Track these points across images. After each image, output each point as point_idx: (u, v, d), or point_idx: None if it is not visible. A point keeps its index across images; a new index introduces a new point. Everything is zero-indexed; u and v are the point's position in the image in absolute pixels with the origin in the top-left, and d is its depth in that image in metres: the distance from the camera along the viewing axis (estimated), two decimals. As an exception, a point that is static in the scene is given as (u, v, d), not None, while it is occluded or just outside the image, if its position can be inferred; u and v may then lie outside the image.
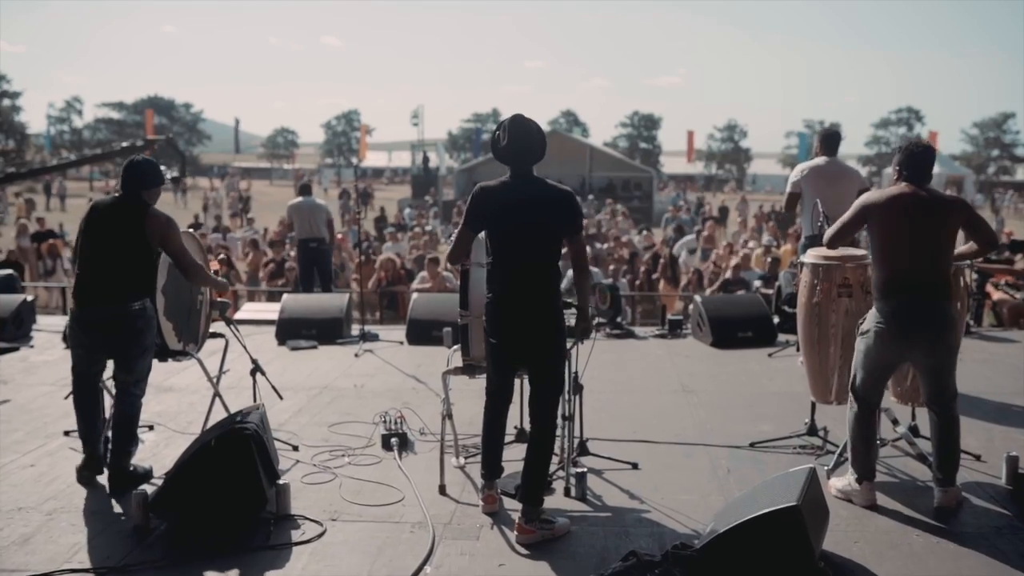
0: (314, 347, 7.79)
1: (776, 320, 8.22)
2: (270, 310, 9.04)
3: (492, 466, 4.09)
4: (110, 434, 4.46)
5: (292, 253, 13.03)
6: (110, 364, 4.46)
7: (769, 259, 12.40)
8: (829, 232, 4.24)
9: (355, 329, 8.21)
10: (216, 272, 4.73)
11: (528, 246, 3.78)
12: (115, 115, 70.55)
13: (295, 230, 10.37)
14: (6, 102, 59.14)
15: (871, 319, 4.01)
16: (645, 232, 17.19)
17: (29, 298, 8.68)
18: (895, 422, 4.74)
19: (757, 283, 11.27)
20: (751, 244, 16.02)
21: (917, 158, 4.02)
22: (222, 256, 11.62)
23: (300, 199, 10.48)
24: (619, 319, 8.53)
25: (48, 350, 7.47)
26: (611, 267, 12.88)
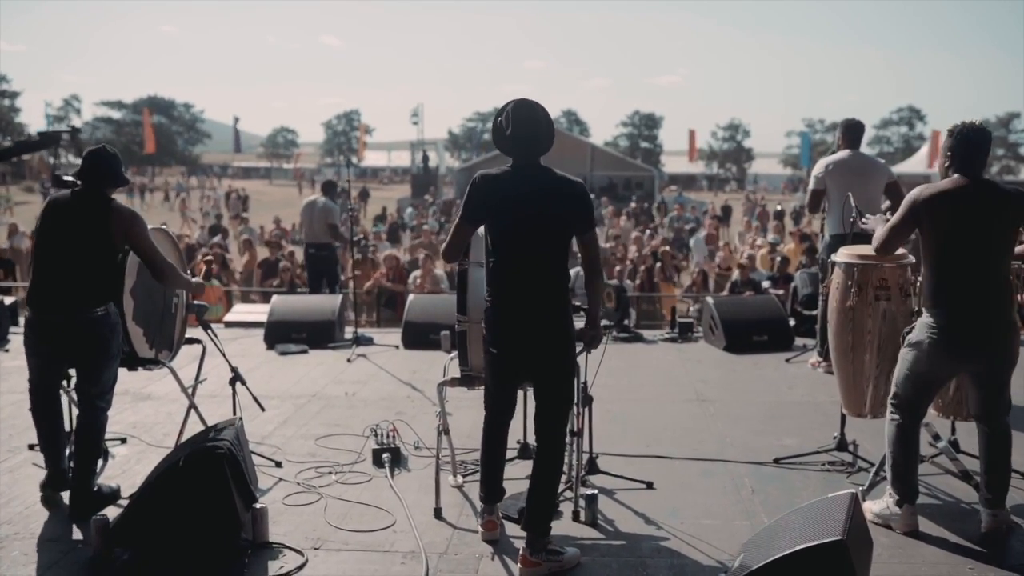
0: (304, 351, 7.39)
1: (792, 323, 7.80)
2: (260, 312, 8.63)
3: (492, 488, 3.68)
4: (73, 450, 4.05)
5: (287, 253, 12.63)
6: (72, 372, 4.06)
7: (778, 259, 12.01)
8: (879, 236, 3.76)
9: (348, 332, 7.81)
10: (205, 272, 4.39)
11: (533, 242, 3.35)
12: (114, 114, 70.20)
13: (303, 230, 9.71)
14: (5, 102, 58.86)
15: (923, 329, 3.58)
16: (649, 233, 16.79)
17: (8, 300, 8.27)
18: (936, 437, 4.32)
19: (765, 284, 10.89)
20: (759, 241, 15.65)
21: (971, 145, 3.53)
22: (209, 257, 11.26)
23: (313, 198, 9.70)
24: (626, 322, 8.12)
25: (23, 355, 7.03)
26: (616, 268, 12.48)
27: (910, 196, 3.61)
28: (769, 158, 75.27)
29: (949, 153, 3.59)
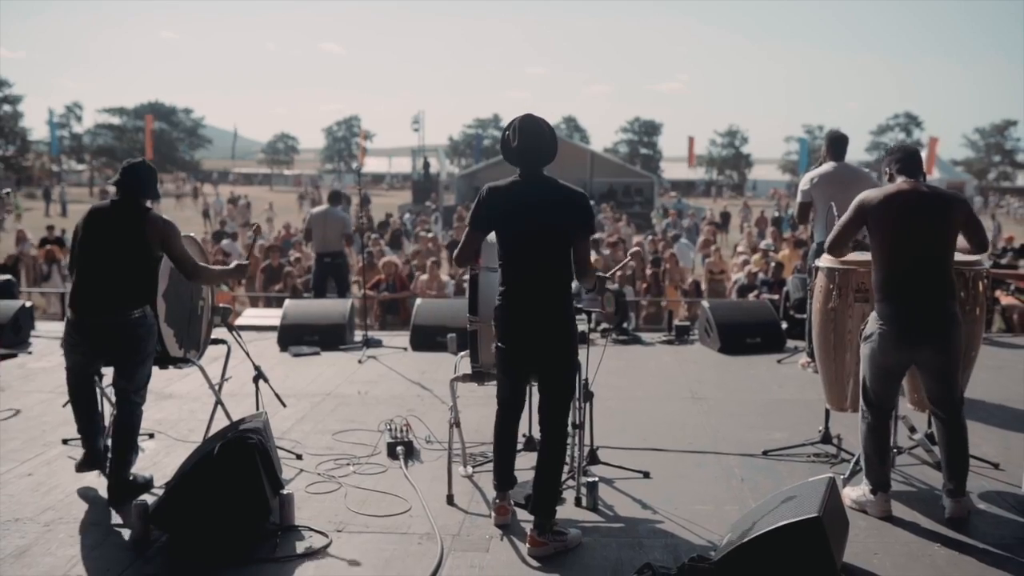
0: (316, 353, 7.69)
1: (784, 326, 8.11)
2: (271, 316, 8.95)
3: (504, 477, 3.98)
4: (110, 443, 4.36)
5: (293, 258, 12.91)
6: (108, 370, 4.36)
7: (772, 264, 12.32)
8: (829, 238, 4.10)
9: (358, 335, 8.12)
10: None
11: (539, 248, 3.67)
12: (116, 121, 70.51)
13: (313, 240, 10.00)
14: (7, 108, 59.13)
15: (873, 322, 3.90)
16: (651, 238, 17.08)
17: (28, 304, 8.57)
18: (912, 430, 4.64)
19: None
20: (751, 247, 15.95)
21: (906, 152, 3.95)
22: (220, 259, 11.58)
23: (322, 207, 10.10)
24: (625, 325, 8.43)
25: (46, 356, 7.36)
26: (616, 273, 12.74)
27: (858, 198, 3.96)
28: (768, 164, 75.54)
29: (892, 166, 3.97)
